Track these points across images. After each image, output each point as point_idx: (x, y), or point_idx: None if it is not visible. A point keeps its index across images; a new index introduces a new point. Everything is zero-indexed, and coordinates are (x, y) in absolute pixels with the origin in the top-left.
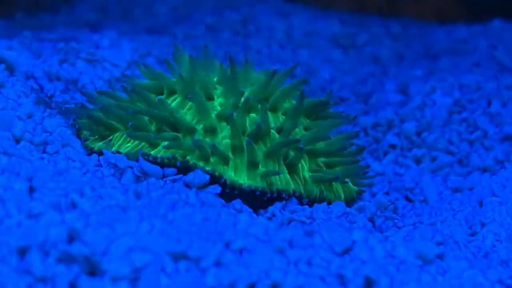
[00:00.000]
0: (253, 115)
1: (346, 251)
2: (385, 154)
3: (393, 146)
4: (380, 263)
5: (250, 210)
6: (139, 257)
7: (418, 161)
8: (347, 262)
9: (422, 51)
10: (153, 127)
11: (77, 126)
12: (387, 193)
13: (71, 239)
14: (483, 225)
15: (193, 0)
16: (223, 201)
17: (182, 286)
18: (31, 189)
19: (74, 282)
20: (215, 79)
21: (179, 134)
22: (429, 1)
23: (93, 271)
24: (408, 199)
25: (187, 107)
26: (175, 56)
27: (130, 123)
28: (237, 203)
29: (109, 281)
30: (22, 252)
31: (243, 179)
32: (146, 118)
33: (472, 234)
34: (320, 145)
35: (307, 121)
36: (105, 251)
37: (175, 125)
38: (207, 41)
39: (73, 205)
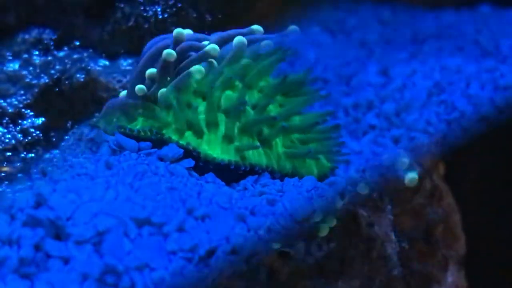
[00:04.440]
0: (229, 92)
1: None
2: (364, 134)
3: (372, 127)
4: None
5: (223, 183)
6: (103, 222)
7: (396, 141)
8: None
9: (410, 36)
10: None
11: None
12: (363, 171)
13: (38, 204)
14: None
15: None
16: (194, 173)
17: (144, 250)
18: None
19: (39, 244)
20: None
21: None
22: None
23: (59, 235)
24: None
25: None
26: None
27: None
28: (210, 176)
29: (73, 244)
30: None
31: (217, 153)
32: None
33: None
34: (294, 121)
35: (283, 98)
36: (71, 216)
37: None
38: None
39: (43, 173)
